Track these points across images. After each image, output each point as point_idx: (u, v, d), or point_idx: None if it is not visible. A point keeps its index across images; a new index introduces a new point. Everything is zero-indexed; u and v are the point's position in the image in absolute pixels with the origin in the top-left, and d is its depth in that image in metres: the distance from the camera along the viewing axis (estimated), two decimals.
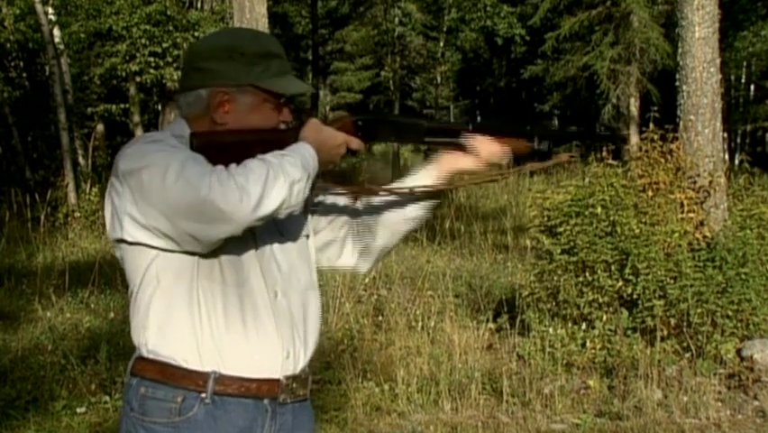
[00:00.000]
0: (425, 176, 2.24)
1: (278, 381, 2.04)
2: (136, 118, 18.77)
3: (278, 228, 2.06)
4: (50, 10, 15.58)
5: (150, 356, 1.99)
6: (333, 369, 6.19)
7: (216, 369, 1.97)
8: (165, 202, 1.85)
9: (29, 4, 15.45)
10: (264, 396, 2.03)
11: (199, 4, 18.98)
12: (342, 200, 2.28)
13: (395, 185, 2.26)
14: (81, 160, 16.01)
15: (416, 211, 2.27)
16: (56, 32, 15.67)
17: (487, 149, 2.18)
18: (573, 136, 2.27)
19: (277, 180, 1.85)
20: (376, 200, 2.27)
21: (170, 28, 16.74)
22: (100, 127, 18.48)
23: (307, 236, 2.18)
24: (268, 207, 1.84)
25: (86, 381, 5.85)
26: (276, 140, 1.98)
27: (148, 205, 1.88)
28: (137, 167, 1.89)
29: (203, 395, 1.97)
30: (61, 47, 15.79)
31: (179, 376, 1.97)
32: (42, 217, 10.45)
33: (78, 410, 5.50)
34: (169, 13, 16.72)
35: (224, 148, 1.95)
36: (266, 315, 2.02)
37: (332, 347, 6.61)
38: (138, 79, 17.45)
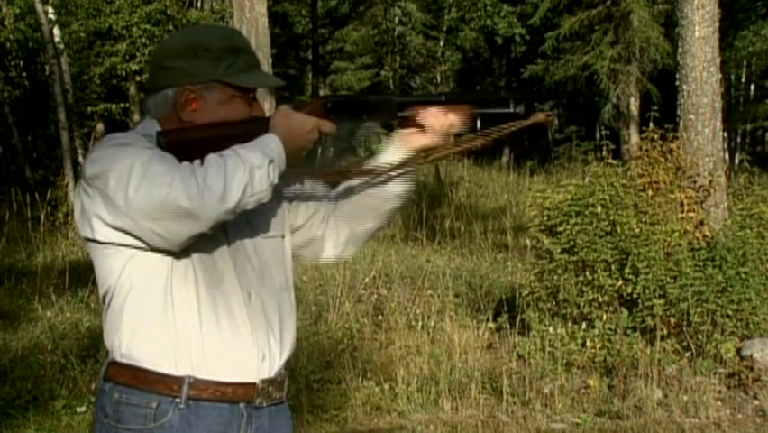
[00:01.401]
0: (393, 153, 2.18)
1: (254, 384, 2.01)
2: (136, 117, 18.76)
3: (252, 228, 2.04)
4: (50, 9, 15.56)
5: (124, 360, 1.97)
6: (333, 368, 6.19)
7: (191, 373, 1.94)
8: (131, 204, 1.83)
9: (29, 3, 15.43)
10: (240, 400, 2.00)
11: (199, 4, 19.01)
12: (318, 197, 2.23)
13: (367, 165, 2.21)
14: (81, 159, 15.95)
15: (397, 187, 2.22)
16: (56, 31, 15.66)
17: (433, 121, 2.11)
18: (547, 96, 2.21)
19: (237, 170, 1.83)
20: (355, 185, 2.22)
21: (170, 27, 16.74)
22: (100, 126, 18.46)
23: (282, 237, 2.15)
24: (231, 198, 1.82)
25: (86, 380, 5.86)
26: (245, 132, 1.95)
27: (115, 207, 1.86)
28: (102, 170, 1.87)
29: (177, 400, 1.94)
30: (61, 46, 15.77)
31: (153, 381, 1.94)
32: (42, 217, 10.44)
33: (78, 410, 5.51)
34: (169, 12, 16.74)
35: (193, 144, 1.93)
36: (240, 317, 1.99)
37: (332, 347, 6.61)
38: (138, 79, 17.45)
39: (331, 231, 2.24)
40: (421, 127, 2.12)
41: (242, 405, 2.01)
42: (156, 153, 1.88)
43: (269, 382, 2.04)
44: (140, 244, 1.90)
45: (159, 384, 1.94)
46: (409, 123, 2.13)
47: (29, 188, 13.08)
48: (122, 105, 17.75)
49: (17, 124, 15.79)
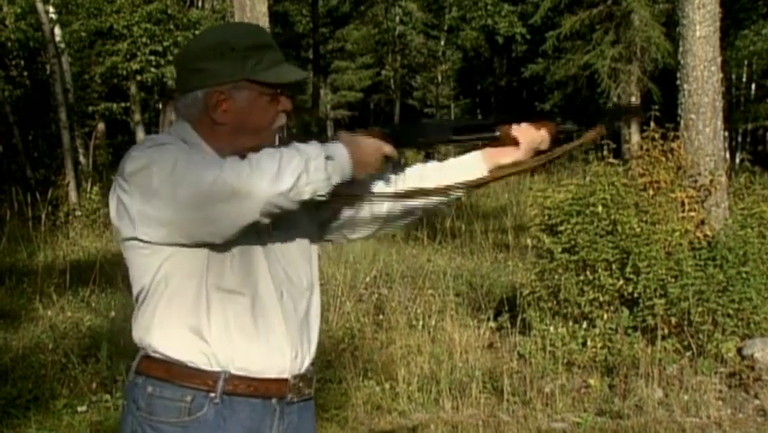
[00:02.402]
0: (475, 170, 2.20)
1: (286, 380, 2.05)
2: (137, 117, 18.79)
3: (282, 229, 2.05)
4: (51, 9, 15.58)
5: (157, 356, 1.99)
6: (333, 368, 6.19)
7: (227, 369, 1.98)
8: (178, 191, 1.84)
9: (30, 2, 15.45)
10: (272, 395, 2.04)
11: (200, 3, 19.02)
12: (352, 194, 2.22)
13: (430, 181, 2.21)
14: (82, 158, 16.02)
15: (452, 197, 2.25)
16: (57, 30, 15.67)
17: (527, 135, 2.16)
18: (594, 116, 2.27)
19: (292, 157, 1.85)
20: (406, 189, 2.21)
21: (171, 27, 16.77)
22: (101, 126, 18.50)
23: (311, 238, 2.17)
24: (285, 181, 1.82)
25: (86, 379, 5.86)
26: None
27: (159, 199, 1.87)
28: (145, 165, 1.89)
29: (212, 395, 1.97)
30: (62, 46, 15.79)
31: (188, 376, 1.97)
32: (43, 216, 10.43)
33: (79, 409, 5.51)
34: (169, 11, 16.75)
35: None
36: (274, 315, 2.02)
37: (332, 346, 6.61)
38: (139, 78, 17.47)
39: (363, 216, 2.23)
40: (514, 143, 2.16)
41: (274, 400, 2.04)
42: (198, 152, 1.93)
43: (300, 378, 2.08)
44: (182, 240, 1.91)
45: (194, 379, 1.97)
46: (500, 141, 2.17)
47: (30, 188, 13.09)
48: (123, 104, 17.78)
49: (18, 124, 15.82)
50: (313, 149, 1.89)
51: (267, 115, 2.05)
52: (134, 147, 1.99)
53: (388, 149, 2.05)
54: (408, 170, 2.22)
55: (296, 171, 1.83)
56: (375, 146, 2.02)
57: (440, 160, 2.28)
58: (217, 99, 2.01)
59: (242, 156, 1.93)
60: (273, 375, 2.02)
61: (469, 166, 2.21)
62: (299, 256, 2.12)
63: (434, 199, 2.22)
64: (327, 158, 1.89)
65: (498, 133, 2.16)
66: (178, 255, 1.94)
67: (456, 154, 2.30)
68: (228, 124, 2.02)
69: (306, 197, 1.87)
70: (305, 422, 2.13)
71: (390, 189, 2.18)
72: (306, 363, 2.10)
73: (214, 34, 2.13)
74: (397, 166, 2.16)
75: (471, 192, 2.29)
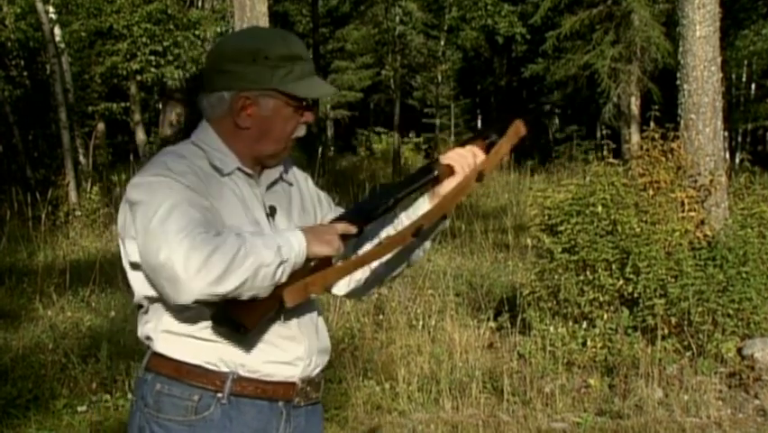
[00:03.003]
0: (426, 213, 2.19)
1: (294, 384, 2.06)
2: (137, 117, 18.77)
3: None
4: (51, 9, 15.56)
5: (167, 354, 2.01)
6: (333, 367, 6.19)
7: (235, 370, 1.99)
8: (144, 245, 1.89)
9: (29, 2, 15.42)
10: (279, 398, 2.05)
11: (200, 3, 19.01)
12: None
13: (397, 230, 2.21)
14: (82, 158, 15.99)
15: (415, 243, 2.24)
16: (57, 30, 15.65)
17: (457, 159, 2.18)
18: (508, 120, 2.28)
19: (246, 260, 1.84)
20: (382, 237, 2.23)
21: (171, 27, 16.75)
22: (101, 126, 18.48)
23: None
24: (226, 285, 1.82)
25: (86, 379, 5.85)
26: None
27: (136, 238, 1.93)
28: (138, 201, 1.92)
29: (219, 395, 1.98)
30: (62, 46, 15.76)
31: (196, 375, 1.98)
32: (43, 216, 10.42)
33: (79, 409, 5.51)
34: (169, 11, 16.74)
35: None
36: (287, 324, 2.04)
37: (332, 346, 6.58)
38: (139, 78, 17.45)
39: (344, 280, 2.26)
40: (451, 171, 2.17)
41: (281, 403, 2.05)
42: (184, 200, 1.89)
43: (309, 382, 2.10)
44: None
45: (202, 378, 1.98)
46: (441, 177, 2.19)
47: (30, 188, 13.07)
48: (123, 104, 17.74)
49: (18, 124, 15.78)
50: (269, 254, 1.87)
51: (289, 125, 2.06)
52: (140, 172, 1.99)
53: (341, 226, 2.05)
54: (369, 243, 2.23)
55: (242, 276, 1.83)
56: (328, 227, 2.04)
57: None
58: (243, 104, 2.02)
59: (256, 159, 2.02)
60: (282, 379, 2.03)
61: (418, 212, 2.21)
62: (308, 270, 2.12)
63: (403, 254, 2.23)
64: (282, 263, 1.88)
65: (436, 172, 2.19)
66: None
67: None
68: (250, 129, 2.04)
69: (244, 298, 1.88)
70: (312, 426, 2.15)
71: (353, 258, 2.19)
72: (319, 368, 2.13)
73: (248, 38, 2.11)
74: (358, 240, 2.18)
75: (429, 234, 2.26)
